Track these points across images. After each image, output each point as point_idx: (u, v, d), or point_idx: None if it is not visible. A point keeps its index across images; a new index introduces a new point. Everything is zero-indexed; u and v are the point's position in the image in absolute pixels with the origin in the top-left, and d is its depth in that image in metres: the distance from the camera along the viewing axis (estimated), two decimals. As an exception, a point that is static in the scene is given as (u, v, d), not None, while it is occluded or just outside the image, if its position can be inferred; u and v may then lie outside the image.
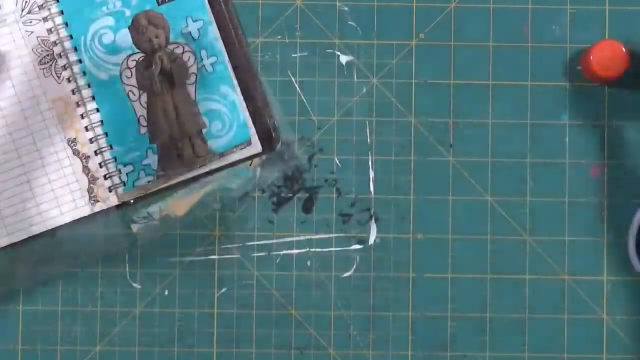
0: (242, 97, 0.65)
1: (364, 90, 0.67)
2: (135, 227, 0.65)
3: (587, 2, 0.67)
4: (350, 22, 0.67)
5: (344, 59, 0.67)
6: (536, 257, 0.67)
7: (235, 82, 0.65)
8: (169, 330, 0.66)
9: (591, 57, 0.65)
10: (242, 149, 0.65)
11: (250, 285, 0.66)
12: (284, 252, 0.67)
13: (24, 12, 0.65)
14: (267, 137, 0.65)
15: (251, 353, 0.66)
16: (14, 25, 0.65)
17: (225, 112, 0.65)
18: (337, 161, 0.67)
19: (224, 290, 0.66)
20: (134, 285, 0.66)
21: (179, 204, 0.65)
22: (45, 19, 0.65)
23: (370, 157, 0.67)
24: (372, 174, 0.67)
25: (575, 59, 0.67)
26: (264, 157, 0.66)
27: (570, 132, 0.67)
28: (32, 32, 0.65)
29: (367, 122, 0.67)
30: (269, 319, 0.66)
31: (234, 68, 0.65)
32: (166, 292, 0.66)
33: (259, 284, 0.67)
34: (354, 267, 0.67)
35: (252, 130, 0.65)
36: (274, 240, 0.67)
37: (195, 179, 0.65)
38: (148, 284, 0.66)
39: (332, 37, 0.67)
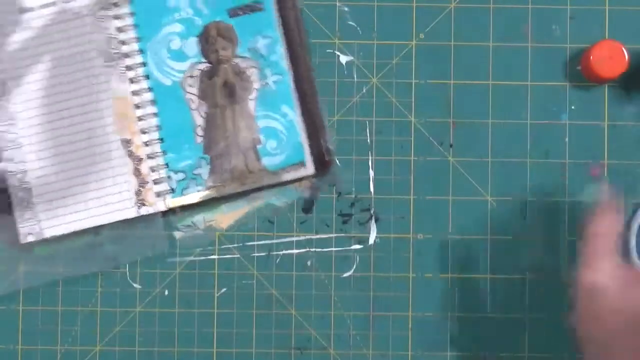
0: (300, 118, 0.65)
1: (364, 90, 0.67)
2: (178, 235, 0.65)
3: (587, 2, 0.67)
4: (350, 22, 0.67)
5: (344, 59, 0.67)
6: (536, 256, 0.67)
7: (296, 102, 0.65)
8: (169, 330, 0.66)
9: (591, 57, 0.65)
10: (295, 170, 0.65)
11: (250, 285, 0.66)
12: (284, 252, 0.67)
13: (98, 8, 0.65)
14: (321, 160, 0.66)
15: (251, 353, 0.66)
16: (87, 18, 0.65)
17: (282, 131, 0.65)
18: (337, 161, 0.67)
19: (224, 290, 0.66)
20: (134, 285, 0.66)
21: (224, 217, 0.66)
22: (117, 17, 0.65)
23: (370, 157, 0.67)
24: (372, 174, 0.67)
25: (575, 59, 0.67)
26: (313, 179, 0.66)
27: (570, 132, 0.67)
28: (103, 28, 0.65)
29: (367, 122, 0.67)
30: (269, 319, 0.66)
31: (296, 88, 0.66)
32: (166, 292, 0.66)
33: (259, 284, 0.66)
34: (354, 267, 0.66)
35: (307, 151, 0.65)
36: (274, 240, 0.67)
37: (243, 193, 0.65)
38: (148, 284, 0.66)
39: (332, 37, 0.67)
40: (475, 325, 0.66)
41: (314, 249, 0.66)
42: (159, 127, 0.65)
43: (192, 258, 0.66)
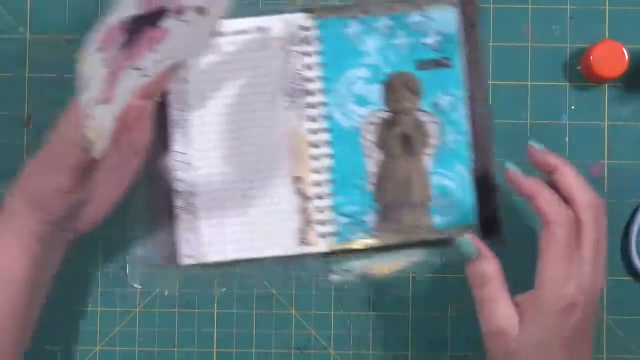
0: (475, 180, 0.65)
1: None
2: (333, 278, 0.65)
3: (587, 2, 0.67)
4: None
5: (344, 59, 0.67)
6: (536, 256, 0.66)
7: (472, 164, 0.65)
8: (169, 330, 0.66)
9: (591, 57, 0.65)
10: (464, 231, 0.64)
11: (251, 285, 0.66)
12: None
13: (288, 42, 0.65)
14: (490, 223, 0.65)
15: (251, 353, 0.66)
16: (277, 51, 0.65)
17: (455, 191, 0.65)
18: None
19: (224, 290, 0.66)
20: (134, 285, 0.66)
21: (382, 267, 0.65)
22: (305, 54, 0.65)
23: (370, 157, 0.67)
24: (372, 174, 0.67)
25: (575, 59, 0.67)
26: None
27: (570, 132, 0.67)
28: (290, 62, 0.65)
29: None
30: (269, 319, 0.66)
31: (474, 149, 0.65)
32: (166, 292, 0.66)
33: (259, 284, 0.66)
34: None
35: (477, 215, 0.65)
36: (274, 240, 0.66)
37: (405, 246, 0.65)
38: (148, 284, 0.66)
39: (332, 37, 0.67)
40: (475, 325, 0.66)
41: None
42: (331, 169, 0.64)
43: (192, 258, 0.66)
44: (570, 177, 0.56)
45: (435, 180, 0.65)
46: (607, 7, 0.67)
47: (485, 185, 0.65)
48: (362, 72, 0.65)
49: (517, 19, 0.67)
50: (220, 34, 0.65)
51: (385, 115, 0.65)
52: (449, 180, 0.65)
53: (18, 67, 0.67)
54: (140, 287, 0.66)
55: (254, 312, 0.66)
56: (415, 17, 0.65)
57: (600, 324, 0.66)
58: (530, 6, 0.67)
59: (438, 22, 0.65)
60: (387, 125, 0.65)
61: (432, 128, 0.65)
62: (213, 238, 0.64)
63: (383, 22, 0.65)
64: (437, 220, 0.65)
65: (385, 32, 0.65)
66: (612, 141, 0.67)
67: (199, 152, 0.65)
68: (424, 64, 0.65)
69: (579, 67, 0.67)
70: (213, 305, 0.66)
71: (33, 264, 0.57)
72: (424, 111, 0.65)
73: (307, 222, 0.64)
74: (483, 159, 0.65)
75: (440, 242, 0.65)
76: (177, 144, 0.65)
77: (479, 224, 0.65)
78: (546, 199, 0.55)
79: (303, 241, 0.64)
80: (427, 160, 0.65)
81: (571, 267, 0.54)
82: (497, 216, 0.65)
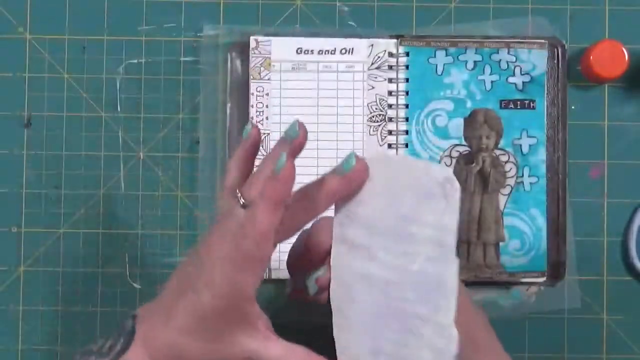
0: (548, 225, 0.64)
1: (364, 90, 0.67)
2: None
3: (587, 2, 0.67)
4: (350, 22, 0.67)
5: (344, 59, 0.67)
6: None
7: (547, 208, 0.65)
8: (169, 330, 0.66)
9: (591, 57, 0.65)
10: (533, 277, 0.64)
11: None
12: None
13: (373, 66, 0.65)
14: (556, 268, 0.65)
15: (251, 353, 0.66)
16: (360, 74, 0.65)
17: (528, 235, 0.64)
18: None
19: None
20: (134, 285, 0.66)
21: None
22: (390, 80, 0.65)
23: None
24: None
25: (575, 59, 0.67)
26: (542, 287, 0.65)
27: (570, 132, 0.67)
28: (373, 87, 0.65)
29: (367, 122, 0.67)
30: (269, 319, 0.66)
31: (550, 194, 0.65)
32: (166, 292, 0.66)
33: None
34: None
35: (547, 260, 0.65)
36: (274, 240, 0.66)
37: (472, 284, 0.64)
38: (148, 284, 0.66)
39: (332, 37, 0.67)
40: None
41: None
42: None
43: (192, 258, 0.66)
44: None
45: (508, 221, 0.64)
46: (607, 7, 0.67)
47: (556, 231, 0.65)
48: (446, 105, 0.65)
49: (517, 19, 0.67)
50: (304, 51, 0.65)
51: (464, 150, 0.65)
52: (523, 223, 0.64)
53: (18, 67, 0.67)
54: (139, 287, 0.66)
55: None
56: (503, 55, 0.65)
57: (600, 324, 0.66)
58: (530, 6, 0.67)
59: (526, 63, 0.65)
60: (465, 161, 0.65)
61: (509, 168, 0.65)
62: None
63: (471, 56, 0.65)
64: (508, 262, 0.64)
65: (472, 67, 0.65)
66: (612, 141, 0.67)
67: None
68: (508, 103, 0.65)
69: (579, 67, 0.67)
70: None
71: None
72: (503, 150, 0.65)
73: None
74: (557, 204, 0.65)
75: (507, 284, 0.65)
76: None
77: (547, 270, 0.65)
78: None
79: None
80: (502, 200, 0.64)
81: None
82: (564, 262, 0.65)
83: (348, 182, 0.47)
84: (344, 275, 0.48)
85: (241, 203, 0.47)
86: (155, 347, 0.48)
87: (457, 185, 0.45)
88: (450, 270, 0.44)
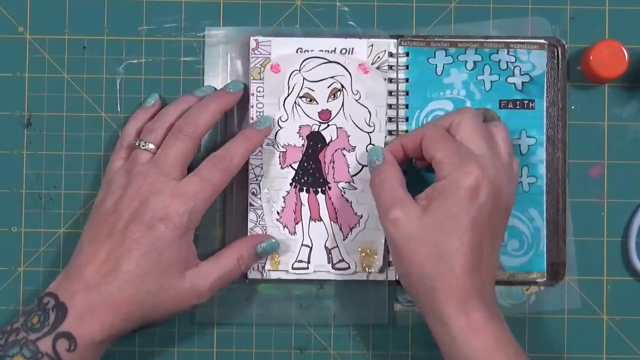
0: (546, 225, 0.65)
1: (364, 90, 0.67)
2: (397, 306, 0.66)
3: (587, 2, 0.67)
4: (350, 22, 0.67)
5: (344, 59, 0.67)
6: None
7: (545, 208, 0.65)
8: (169, 330, 0.66)
9: (591, 57, 0.65)
10: (532, 277, 0.65)
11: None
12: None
13: (373, 66, 0.65)
14: (556, 268, 0.65)
15: (251, 353, 0.66)
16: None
17: (526, 235, 0.65)
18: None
19: (223, 290, 0.66)
20: (134, 285, 0.66)
21: None
22: (389, 80, 0.65)
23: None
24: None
25: (575, 59, 0.67)
26: (542, 287, 0.66)
27: (570, 132, 0.67)
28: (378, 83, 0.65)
29: (367, 122, 0.67)
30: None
31: (548, 194, 0.65)
32: (166, 292, 0.66)
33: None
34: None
35: (546, 261, 0.65)
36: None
37: None
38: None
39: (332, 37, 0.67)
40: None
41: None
42: None
43: (192, 258, 0.66)
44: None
45: (508, 221, 0.64)
46: (607, 7, 0.67)
47: (554, 228, 0.65)
48: (446, 105, 0.65)
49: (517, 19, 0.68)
50: (305, 50, 0.65)
51: None
52: (521, 223, 0.65)
53: (18, 67, 0.67)
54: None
55: (254, 312, 0.66)
56: (503, 55, 0.65)
57: (600, 324, 0.66)
58: (530, 6, 0.67)
59: (526, 64, 0.65)
60: None
61: None
62: (281, 257, 0.65)
63: (471, 56, 0.65)
64: (507, 261, 0.65)
65: (472, 67, 0.65)
66: (612, 141, 0.67)
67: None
68: (507, 103, 0.65)
69: (579, 67, 0.67)
70: (213, 306, 0.66)
71: None
72: None
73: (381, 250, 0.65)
74: (556, 204, 0.65)
75: (507, 284, 0.65)
76: (254, 157, 0.65)
77: (546, 270, 0.65)
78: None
79: (368, 270, 0.65)
80: None
81: (460, 149, 0.57)
82: (563, 261, 0.65)
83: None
84: None
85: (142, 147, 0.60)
86: (113, 305, 0.56)
87: None
88: None
